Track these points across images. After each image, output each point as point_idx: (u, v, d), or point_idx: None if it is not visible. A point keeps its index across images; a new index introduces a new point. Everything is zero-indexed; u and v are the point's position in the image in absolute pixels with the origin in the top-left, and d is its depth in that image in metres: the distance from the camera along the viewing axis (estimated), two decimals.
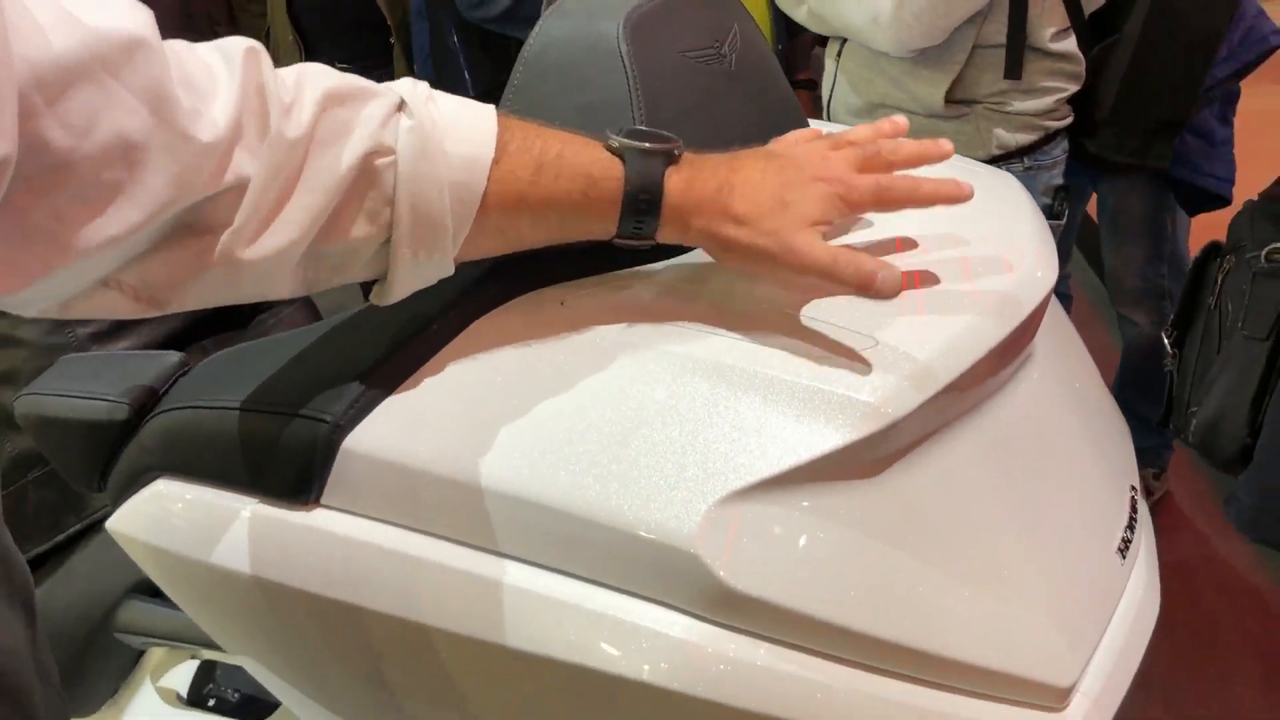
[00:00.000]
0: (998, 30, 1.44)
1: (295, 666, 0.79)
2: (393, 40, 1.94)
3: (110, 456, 0.79)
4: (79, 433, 0.79)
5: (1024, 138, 1.53)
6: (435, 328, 0.74)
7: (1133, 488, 0.89)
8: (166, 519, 0.75)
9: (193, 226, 0.61)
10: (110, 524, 0.77)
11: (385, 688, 0.74)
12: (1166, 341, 1.66)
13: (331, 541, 0.69)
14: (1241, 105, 1.90)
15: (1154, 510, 2.18)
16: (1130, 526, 0.84)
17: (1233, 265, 1.58)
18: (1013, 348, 0.78)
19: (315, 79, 0.64)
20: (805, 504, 0.66)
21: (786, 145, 0.79)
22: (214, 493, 0.73)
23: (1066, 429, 0.86)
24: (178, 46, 0.60)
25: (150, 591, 1.09)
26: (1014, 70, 1.46)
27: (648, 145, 0.71)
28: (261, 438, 0.71)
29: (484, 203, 0.67)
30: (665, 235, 0.73)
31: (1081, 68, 1.51)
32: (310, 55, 1.98)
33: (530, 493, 0.66)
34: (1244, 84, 1.83)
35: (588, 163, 0.70)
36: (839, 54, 1.69)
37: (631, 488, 0.65)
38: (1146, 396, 1.98)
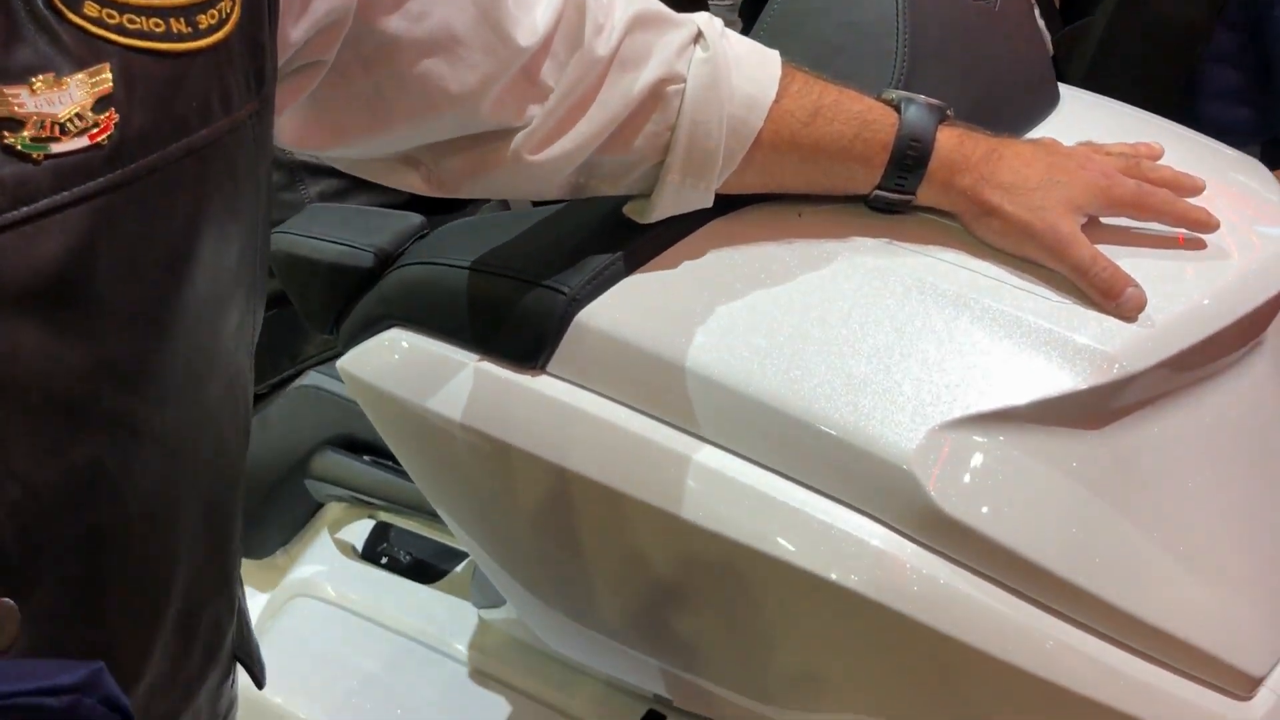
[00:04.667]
0: None
1: (488, 518, 0.83)
2: None
3: (348, 301, 0.84)
4: (324, 274, 0.84)
5: None
6: (673, 221, 0.76)
7: None
8: (396, 365, 0.79)
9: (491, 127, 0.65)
10: (341, 363, 0.82)
11: (570, 549, 0.77)
12: None
13: (551, 406, 0.72)
14: None
15: None
16: None
17: None
18: (1250, 327, 0.76)
19: (626, 2, 0.68)
20: (1024, 442, 0.65)
21: (1051, 140, 0.79)
22: (445, 346, 0.77)
23: None
24: None
25: (342, 447, 1.16)
26: None
27: (923, 99, 0.72)
28: (499, 300, 0.74)
29: (757, 140, 0.70)
30: (925, 194, 0.74)
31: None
32: None
33: (748, 388, 0.67)
34: None
35: (863, 109, 0.72)
36: None
37: (853, 397, 0.66)
38: None
